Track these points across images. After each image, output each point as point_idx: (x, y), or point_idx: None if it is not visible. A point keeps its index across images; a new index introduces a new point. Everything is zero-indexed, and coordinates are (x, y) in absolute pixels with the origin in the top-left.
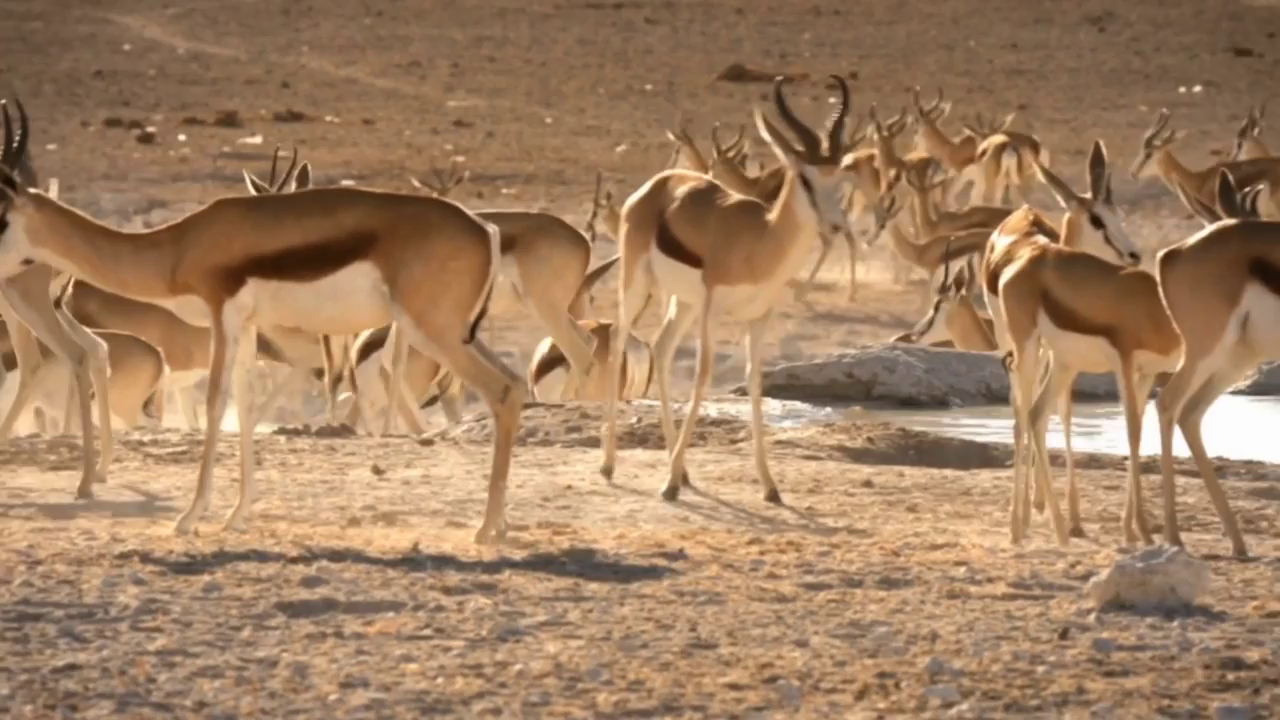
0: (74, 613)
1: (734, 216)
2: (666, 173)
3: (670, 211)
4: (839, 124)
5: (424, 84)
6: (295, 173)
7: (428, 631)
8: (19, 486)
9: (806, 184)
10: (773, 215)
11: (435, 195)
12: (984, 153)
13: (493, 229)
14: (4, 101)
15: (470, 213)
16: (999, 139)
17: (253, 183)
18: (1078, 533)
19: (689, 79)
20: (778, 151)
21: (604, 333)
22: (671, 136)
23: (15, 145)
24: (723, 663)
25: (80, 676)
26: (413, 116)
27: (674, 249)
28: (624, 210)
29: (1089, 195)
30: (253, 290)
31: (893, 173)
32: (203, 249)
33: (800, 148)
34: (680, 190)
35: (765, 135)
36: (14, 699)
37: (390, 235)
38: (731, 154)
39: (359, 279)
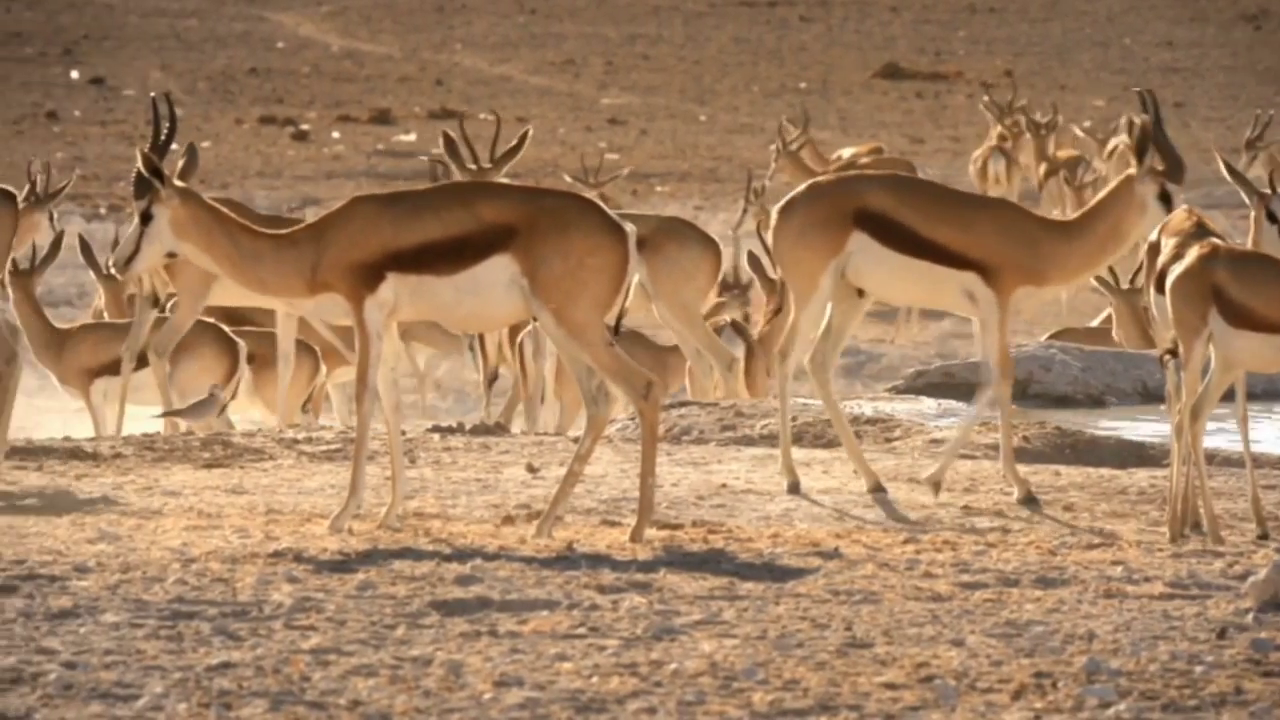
0: (228, 611)
1: (1020, 218)
2: (855, 174)
3: (896, 209)
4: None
5: (578, 82)
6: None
7: (582, 630)
8: (173, 484)
9: (1167, 201)
10: (1093, 220)
11: (589, 192)
12: (1113, 151)
13: (630, 227)
14: (154, 95)
15: (608, 210)
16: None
17: (444, 153)
18: (1264, 536)
19: (843, 77)
20: (1133, 161)
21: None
22: (787, 123)
23: (163, 139)
24: (878, 662)
25: (234, 675)
26: (566, 114)
27: (920, 248)
28: (788, 210)
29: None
30: (392, 286)
31: (1043, 169)
32: (341, 246)
33: (1161, 166)
34: (892, 187)
35: (1134, 143)
36: (168, 697)
37: (529, 229)
38: (795, 147)
39: (498, 273)
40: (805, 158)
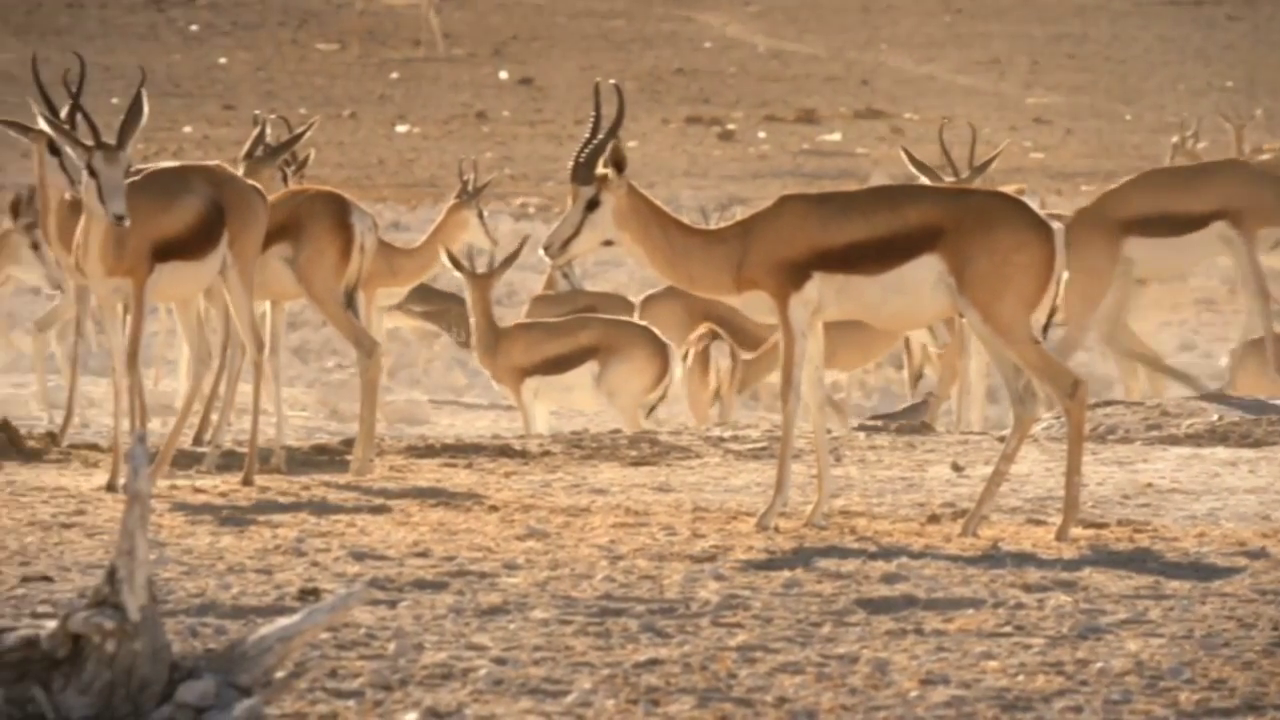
0: (655, 608)
1: None
2: None
3: None
4: None
5: (1003, 81)
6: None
7: (1008, 629)
8: (601, 482)
9: None
10: None
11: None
12: None
13: (1057, 225)
14: (599, 81)
15: (1034, 208)
16: None
17: (914, 160)
18: None
19: (1270, 76)
20: None
21: None
22: (1224, 119)
23: (612, 127)
24: None
25: (662, 671)
26: (991, 114)
27: None
28: None
29: None
30: (818, 284)
31: None
32: (769, 244)
33: None
34: None
35: None
36: (596, 693)
37: (955, 228)
38: (1191, 145)
39: (924, 272)
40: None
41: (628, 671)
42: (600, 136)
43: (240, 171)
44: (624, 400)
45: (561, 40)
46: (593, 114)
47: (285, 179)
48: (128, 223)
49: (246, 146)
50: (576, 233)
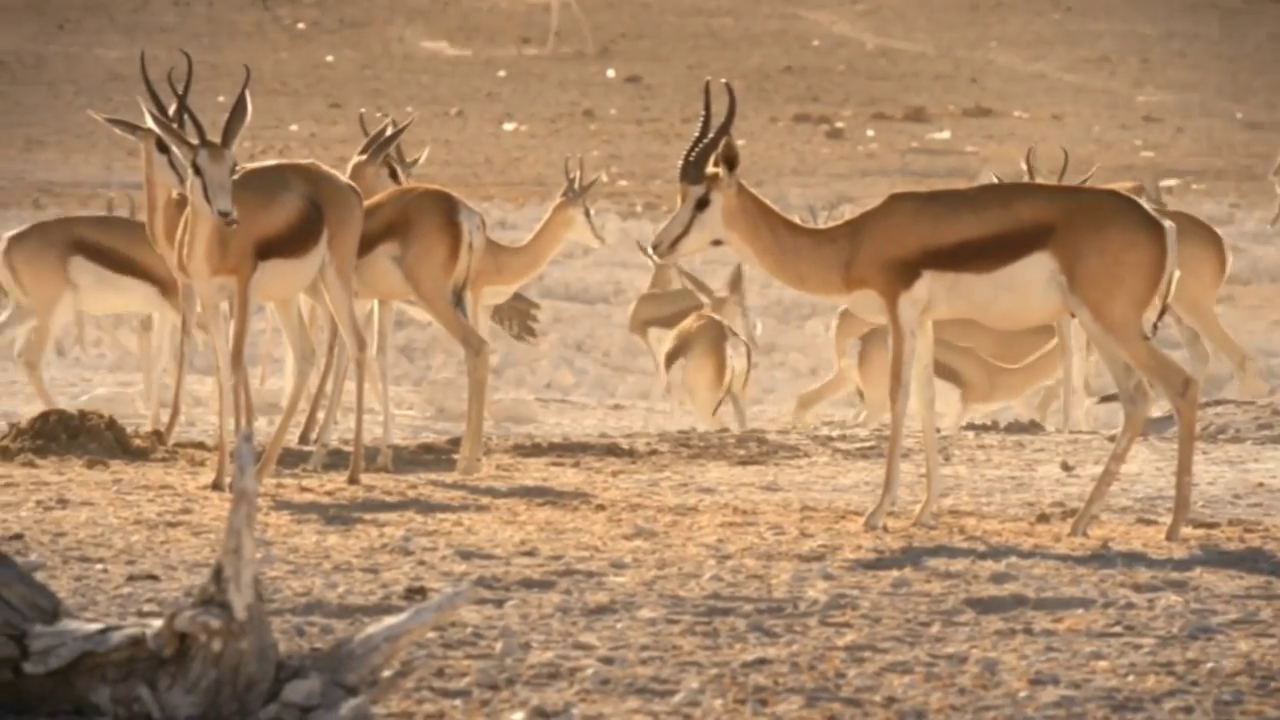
0: (763, 607)
1: None
2: None
3: None
4: None
5: (1113, 79)
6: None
7: (1118, 629)
8: (709, 481)
9: None
10: None
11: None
12: None
13: (1169, 223)
14: (709, 80)
15: (1147, 206)
16: None
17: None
18: None
19: None
20: None
21: None
22: None
23: (723, 126)
24: None
25: (770, 671)
26: (1101, 112)
27: None
28: None
29: None
30: (928, 283)
31: None
32: (878, 243)
33: None
34: None
35: None
36: (704, 693)
37: (1067, 227)
38: None
39: (1035, 270)
40: None
41: (735, 671)
42: (710, 135)
43: (349, 169)
44: (698, 399)
45: (669, 38)
46: (702, 112)
47: (395, 176)
48: (235, 221)
49: (364, 144)
50: (686, 231)
